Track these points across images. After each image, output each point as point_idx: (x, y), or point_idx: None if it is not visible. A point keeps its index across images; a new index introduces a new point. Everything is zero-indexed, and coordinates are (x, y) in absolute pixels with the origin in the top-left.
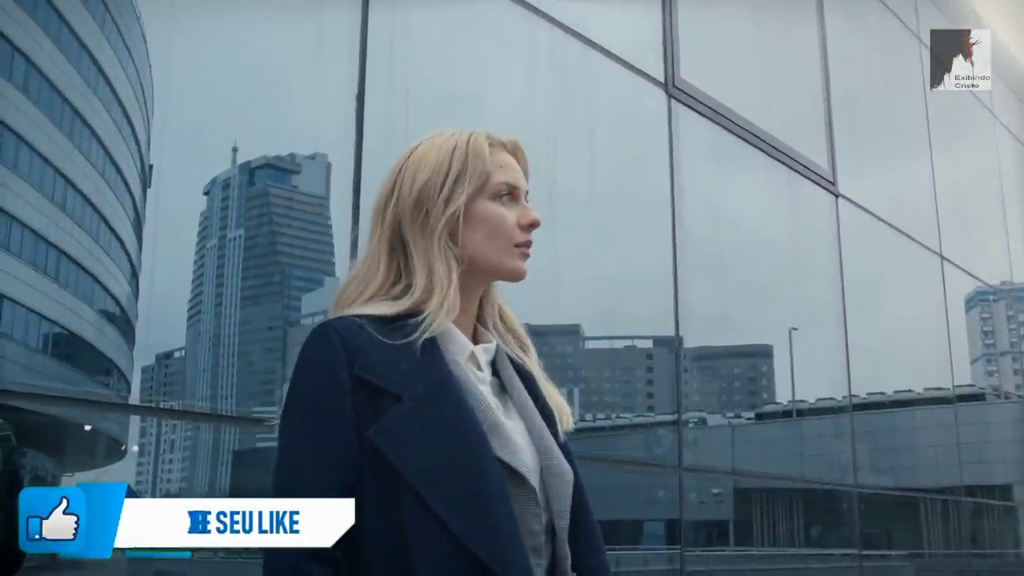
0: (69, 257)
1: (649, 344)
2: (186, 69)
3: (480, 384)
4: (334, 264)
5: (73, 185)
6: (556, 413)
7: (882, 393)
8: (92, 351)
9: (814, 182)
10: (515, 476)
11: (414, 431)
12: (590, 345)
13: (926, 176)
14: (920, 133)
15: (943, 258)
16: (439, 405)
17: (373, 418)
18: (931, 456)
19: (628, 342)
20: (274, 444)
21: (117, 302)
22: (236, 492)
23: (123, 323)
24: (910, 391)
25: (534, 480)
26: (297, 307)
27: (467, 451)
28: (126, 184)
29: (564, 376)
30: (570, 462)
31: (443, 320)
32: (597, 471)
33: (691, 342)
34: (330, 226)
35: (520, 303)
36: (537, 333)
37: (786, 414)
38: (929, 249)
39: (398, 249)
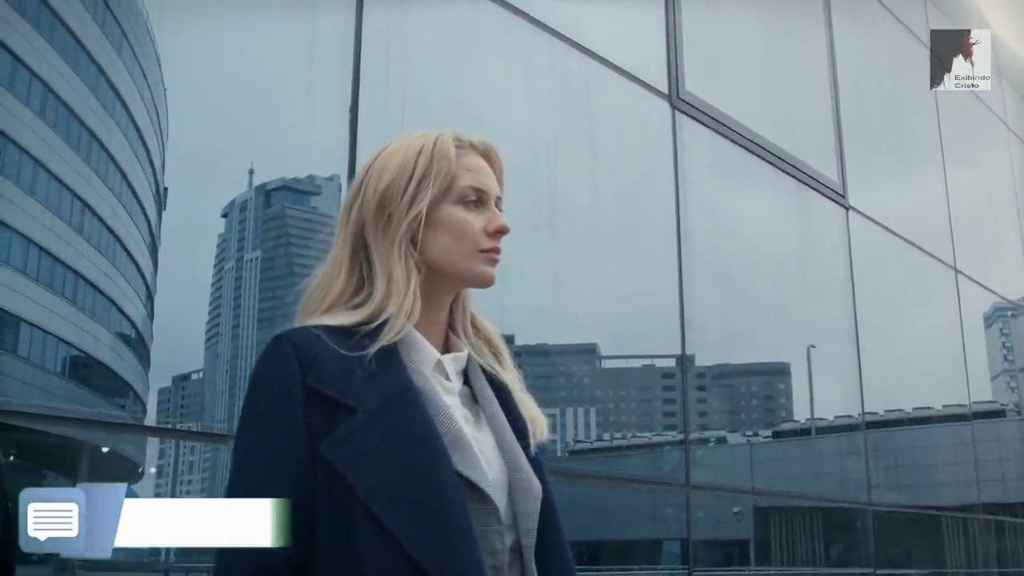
0: (86, 280)
1: (669, 363)
2: (192, 91)
3: (446, 394)
4: None
5: (90, 208)
6: (530, 425)
7: (900, 410)
8: (109, 373)
9: (824, 195)
10: (476, 491)
11: (368, 444)
12: (607, 364)
13: (939, 188)
14: (932, 144)
15: (957, 271)
16: (396, 417)
17: (327, 431)
18: (950, 474)
19: (646, 361)
20: None
21: (133, 324)
22: None
23: (139, 345)
24: (928, 408)
25: (498, 495)
26: None
27: (424, 465)
28: (142, 207)
29: (581, 396)
30: (541, 477)
31: (402, 325)
32: (608, 491)
33: (704, 359)
34: None
35: (530, 321)
36: (551, 353)
37: (803, 432)
38: (943, 263)
39: (360, 253)
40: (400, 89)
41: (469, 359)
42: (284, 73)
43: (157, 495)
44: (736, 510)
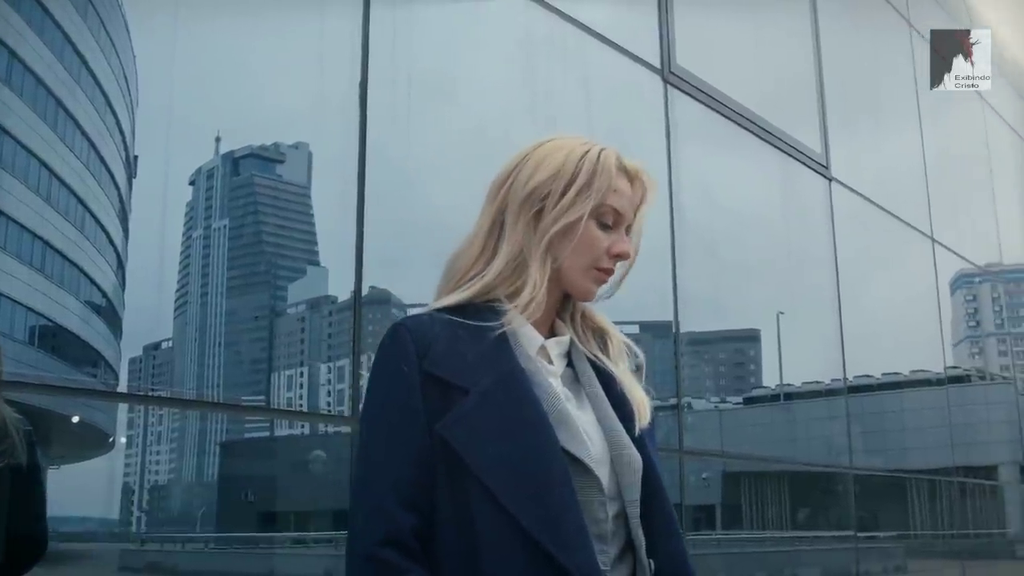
0: (54, 249)
1: (635, 329)
2: (170, 58)
3: (550, 376)
4: (318, 253)
5: (58, 177)
6: (635, 407)
7: (870, 376)
8: (79, 343)
9: (808, 166)
10: (579, 465)
11: (480, 423)
12: None
13: (918, 161)
14: (911, 118)
15: (934, 241)
16: (506, 397)
17: (442, 412)
18: (922, 438)
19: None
20: (263, 435)
21: (103, 293)
22: (224, 483)
23: (110, 314)
24: (898, 374)
25: (601, 469)
26: (283, 296)
27: (533, 442)
28: (111, 175)
29: None
30: (645, 452)
31: (522, 322)
32: None
33: (683, 327)
34: (312, 215)
35: None
36: None
37: (774, 398)
38: (921, 232)
39: (496, 229)
40: (404, 64)
41: (572, 343)
42: (287, 46)
43: (127, 465)
44: (705, 475)
